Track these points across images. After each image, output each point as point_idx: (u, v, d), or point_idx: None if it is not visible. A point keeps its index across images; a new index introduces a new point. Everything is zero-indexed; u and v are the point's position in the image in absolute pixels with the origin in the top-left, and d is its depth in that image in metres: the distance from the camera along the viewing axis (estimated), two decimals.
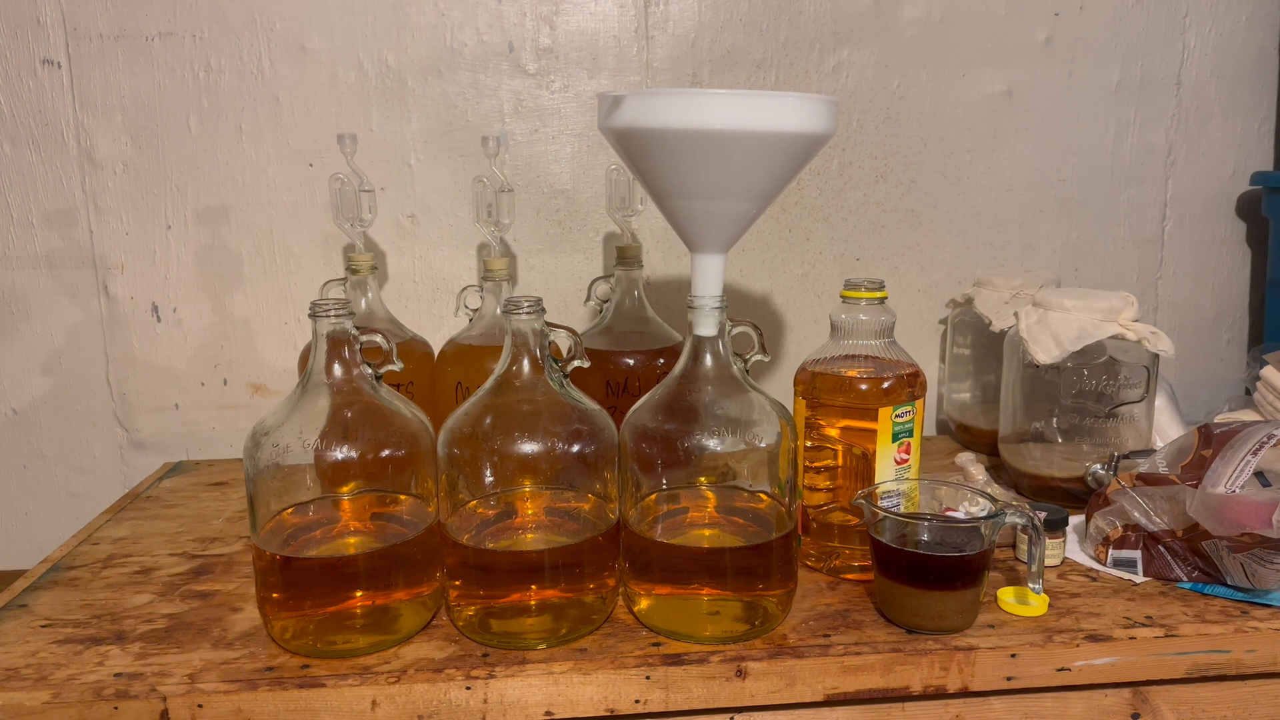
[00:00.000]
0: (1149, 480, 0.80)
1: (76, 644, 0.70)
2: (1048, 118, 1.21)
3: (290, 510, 0.71)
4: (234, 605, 0.76)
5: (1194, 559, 0.78)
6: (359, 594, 0.69)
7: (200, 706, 0.64)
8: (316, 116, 1.11)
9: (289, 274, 1.14)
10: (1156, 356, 0.93)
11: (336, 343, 0.70)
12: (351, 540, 0.72)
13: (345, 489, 0.72)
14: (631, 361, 0.96)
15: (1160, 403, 1.00)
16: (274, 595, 0.69)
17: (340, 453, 0.69)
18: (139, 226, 1.11)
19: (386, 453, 0.70)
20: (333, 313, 0.69)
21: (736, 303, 1.20)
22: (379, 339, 0.72)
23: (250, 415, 1.16)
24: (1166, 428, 1.01)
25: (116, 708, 0.63)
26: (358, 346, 0.71)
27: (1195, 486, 0.76)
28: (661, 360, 0.96)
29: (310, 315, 0.69)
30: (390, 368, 0.73)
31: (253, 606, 0.75)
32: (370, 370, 0.72)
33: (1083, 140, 1.22)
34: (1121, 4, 1.19)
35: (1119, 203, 1.24)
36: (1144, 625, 0.72)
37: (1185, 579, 0.78)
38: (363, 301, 0.97)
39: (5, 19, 1.05)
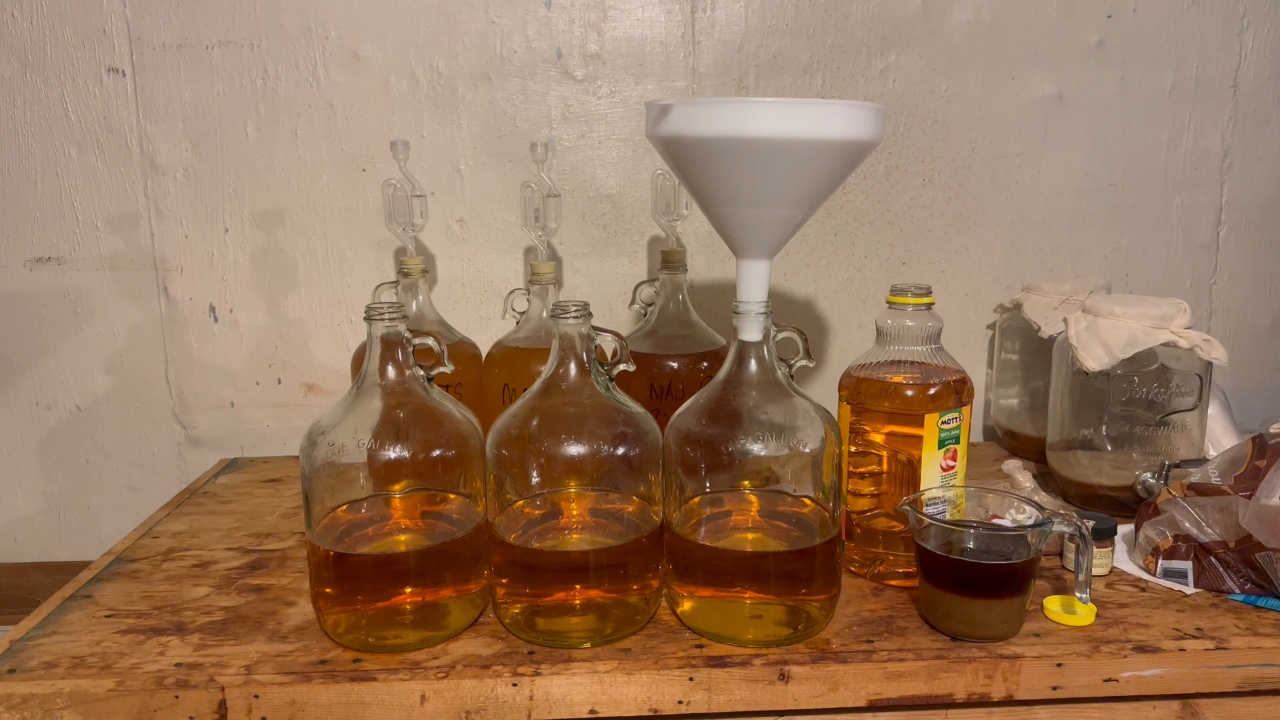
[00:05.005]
0: (1201, 490, 0.79)
1: (139, 634, 0.73)
2: (1099, 121, 1.19)
3: (344, 508, 0.73)
4: (288, 600, 0.78)
5: (1246, 571, 0.76)
6: (409, 590, 0.70)
7: (256, 697, 0.66)
8: (369, 123, 1.13)
9: (342, 277, 1.16)
10: (1210, 364, 0.91)
11: (390, 345, 0.72)
12: (402, 538, 0.74)
13: (397, 487, 0.74)
14: (675, 365, 0.96)
15: (1213, 411, 0.98)
16: (327, 590, 0.70)
17: (393, 452, 0.71)
18: (198, 230, 1.14)
19: (437, 453, 0.71)
20: (387, 316, 0.71)
21: (780, 307, 1.20)
22: (431, 342, 0.73)
23: (303, 414, 1.19)
24: (1219, 437, 0.99)
25: (177, 696, 0.65)
26: (410, 349, 0.73)
27: (1249, 497, 0.75)
28: (705, 364, 0.96)
29: (366, 318, 0.71)
30: (441, 370, 0.74)
31: (306, 601, 0.78)
32: (422, 372, 0.74)
33: (1135, 144, 1.20)
34: (1176, 6, 1.17)
35: (1172, 207, 1.22)
36: (1194, 637, 0.71)
37: (1237, 591, 0.77)
38: (413, 304, 0.99)
39: (73, 29, 1.09)
